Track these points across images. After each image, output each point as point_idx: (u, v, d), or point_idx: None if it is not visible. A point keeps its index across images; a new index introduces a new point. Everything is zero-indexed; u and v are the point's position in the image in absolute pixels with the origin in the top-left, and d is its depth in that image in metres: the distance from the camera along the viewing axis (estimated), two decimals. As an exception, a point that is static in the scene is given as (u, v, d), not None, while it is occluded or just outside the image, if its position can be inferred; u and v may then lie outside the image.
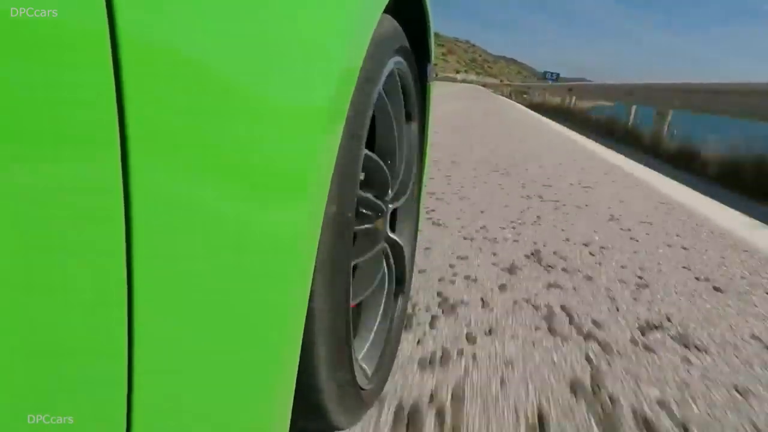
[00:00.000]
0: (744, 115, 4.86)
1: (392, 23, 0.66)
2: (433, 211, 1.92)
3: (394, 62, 0.70)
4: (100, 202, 0.22)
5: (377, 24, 0.55)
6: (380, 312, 0.79)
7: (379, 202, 0.73)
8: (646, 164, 4.19)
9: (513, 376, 0.85)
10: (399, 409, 0.74)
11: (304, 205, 0.37)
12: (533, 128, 6.67)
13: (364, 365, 0.69)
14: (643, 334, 1.06)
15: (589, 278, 1.36)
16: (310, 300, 0.44)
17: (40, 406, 0.22)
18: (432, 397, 0.78)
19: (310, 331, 0.46)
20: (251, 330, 0.34)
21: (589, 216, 2.07)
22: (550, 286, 1.28)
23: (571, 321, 1.09)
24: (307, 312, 0.43)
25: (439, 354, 0.90)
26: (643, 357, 0.96)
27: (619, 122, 7.76)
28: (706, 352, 1.01)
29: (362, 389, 0.63)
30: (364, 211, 0.72)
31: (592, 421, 0.76)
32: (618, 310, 1.17)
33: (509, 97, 23.93)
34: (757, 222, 2.33)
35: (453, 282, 1.25)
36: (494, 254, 1.49)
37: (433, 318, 1.04)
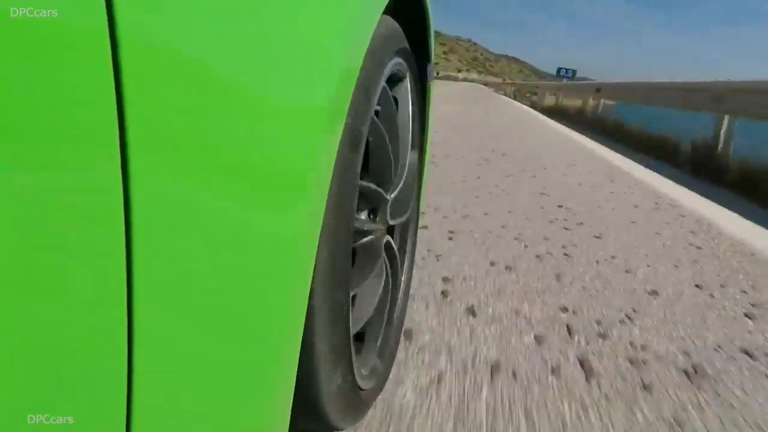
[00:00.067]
0: None
1: (392, 24, 0.66)
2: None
3: (394, 63, 0.70)
4: (100, 202, 0.22)
5: (377, 25, 0.55)
6: (380, 311, 0.79)
7: (380, 202, 0.73)
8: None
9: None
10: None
11: (304, 205, 0.37)
12: (562, 145, 4.55)
13: (363, 364, 0.69)
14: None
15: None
16: (310, 299, 0.44)
17: (40, 406, 0.22)
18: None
19: (309, 331, 0.46)
20: (251, 330, 0.34)
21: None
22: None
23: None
24: (306, 311, 0.43)
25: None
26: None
27: (701, 146, 4.43)
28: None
29: (362, 389, 0.63)
30: (363, 210, 0.72)
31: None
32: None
33: (513, 97, 20.07)
34: None
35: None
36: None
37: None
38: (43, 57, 0.20)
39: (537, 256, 1.50)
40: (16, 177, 0.20)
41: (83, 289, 0.23)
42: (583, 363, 0.93)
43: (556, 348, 0.98)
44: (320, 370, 0.49)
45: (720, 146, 4.31)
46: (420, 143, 0.98)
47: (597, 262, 1.51)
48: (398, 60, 0.73)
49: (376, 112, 0.71)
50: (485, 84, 53.92)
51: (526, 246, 1.59)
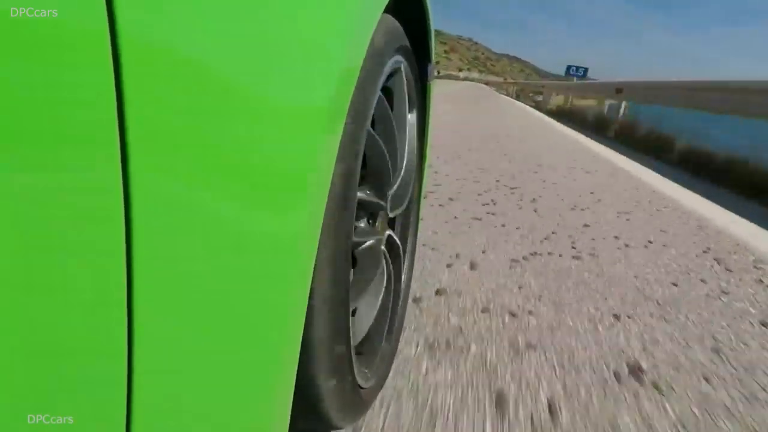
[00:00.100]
0: None
1: (392, 22, 0.66)
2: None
3: (395, 61, 0.70)
4: (100, 202, 0.22)
5: (377, 23, 0.55)
6: (380, 310, 0.79)
7: (380, 201, 0.73)
8: None
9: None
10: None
11: (304, 205, 0.37)
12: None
13: (363, 364, 0.69)
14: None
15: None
16: (310, 299, 0.44)
17: (40, 406, 0.22)
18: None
19: (309, 331, 0.46)
20: (251, 330, 0.34)
21: None
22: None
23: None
24: (306, 311, 0.43)
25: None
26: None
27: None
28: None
29: (361, 388, 0.63)
30: (364, 210, 0.72)
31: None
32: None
33: (515, 97, 18.40)
34: None
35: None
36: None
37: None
38: (43, 57, 0.20)
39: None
40: (16, 177, 0.20)
41: (83, 289, 0.23)
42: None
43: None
44: (320, 370, 0.49)
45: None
46: (420, 143, 0.98)
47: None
48: (398, 58, 0.73)
49: (377, 111, 0.71)
50: (486, 83, 51.73)
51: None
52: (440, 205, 2.00)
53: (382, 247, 0.77)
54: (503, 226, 1.81)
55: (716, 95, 4.97)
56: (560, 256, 1.55)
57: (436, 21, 0.94)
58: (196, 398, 0.31)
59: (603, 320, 1.14)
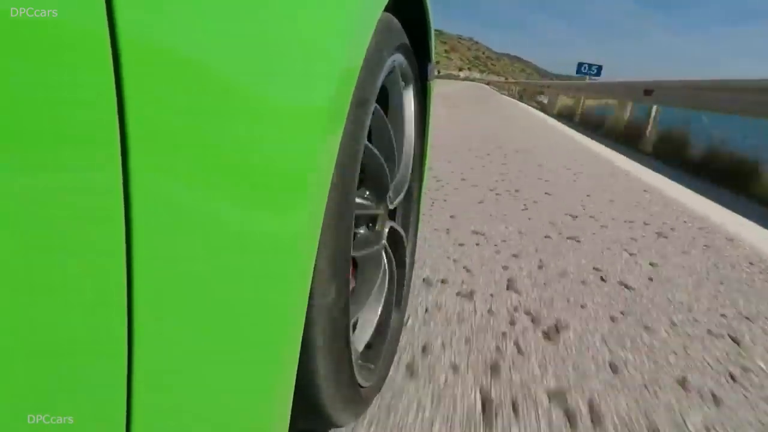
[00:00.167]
0: None
1: (392, 20, 0.66)
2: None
3: (394, 59, 0.70)
4: (100, 202, 0.22)
5: (377, 21, 0.55)
6: (380, 309, 0.79)
7: (379, 201, 0.73)
8: None
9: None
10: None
11: (304, 205, 0.37)
12: None
13: (363, 363, 0.69)
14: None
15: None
16: (310, 299, 0.44)
17: (40, 406, 0.22)
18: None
19: (309, 330, 0.46)
20: (251, 330, 0.34)
21: None
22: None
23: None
24: (306, 311, 0.43)
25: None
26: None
27: None
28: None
29: (361, 387, 0.63)
30: (364, 209, 0.72)
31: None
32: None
33: (519, 99, 16.11)
34: None
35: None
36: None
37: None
38: (43, 57, 0.20)
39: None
40: (16, 177, 0.20)
41: (83, 289, 0.23)
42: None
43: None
44: (320, 369, 0.49)
45: None
46: (420, 144, 0.98)
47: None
48: (398, 56, 0.73)
49: (376, 110, 0.71)
50: (487, 83, 48.30)
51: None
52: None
53: (383, 251, 0.77)
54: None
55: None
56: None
57: (436, 20, 0.94)
58: (196, 398, 0.31)
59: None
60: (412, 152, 0.92)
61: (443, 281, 1.24)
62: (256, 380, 0.36)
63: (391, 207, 0.80)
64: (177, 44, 0.25)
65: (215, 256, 0.29)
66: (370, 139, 0.72)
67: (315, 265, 0.42)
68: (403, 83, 0.82)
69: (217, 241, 0.29)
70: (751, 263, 1.64)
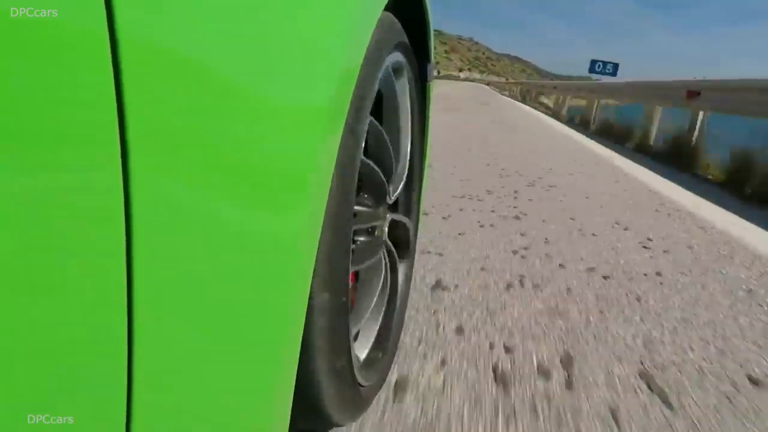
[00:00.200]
0: None
1: (391, 19, 0.66)
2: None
3: (393, 57, 0.70)
4: (100, 202, 0.22)
5: (377, 20, 0.55)
6: (379, 308, 0.79)
7: (378, 200, 0.73)
8: None
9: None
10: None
11: (304, 205, 0.37)
12: None
13: (363, 363, 0.69)
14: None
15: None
16: (310, 299, 0.44)
17: (40, 406, 0.22)
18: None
19: (309, 330, 0.46)
20: (251, 330, 0.34)
21: None
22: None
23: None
24: (306, 311, 0.43)
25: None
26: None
27: None
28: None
29: (361, 386, 0.63)
30: (363, 208, 0.72)
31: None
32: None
33: (522, 100, 14.82)
34: None
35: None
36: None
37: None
38: (43, 57, 0.20)
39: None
40: (16, 177, 0.20)
41: (83, 289, 0.23)
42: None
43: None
44: (320, 369, 0.49)
45: None
46: (420, 144, 0.98)
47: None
48: (398, 56, 0.73)
49: (376, 109, 0.71)
50: (487, 84, 46.89)
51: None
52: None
53: (382, 253, 0.77)
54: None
55: None
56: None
57: (435, 21, 0.94)
58: (196, 398, 0.31)
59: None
60: (412, 150, 0.92)
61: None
62: (256, 380, 0.36)
63: (390, 201, 0.80)
64: (177, 44, 0.25)
65: (215, 256, 0.29)
66: (369, 140, 0.72)
67: (315, 264, 0.42)
68: (403, 83, 0.82)
69: (217, 241, 0.29)
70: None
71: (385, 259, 0.78)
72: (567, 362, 0.93)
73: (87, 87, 0.21)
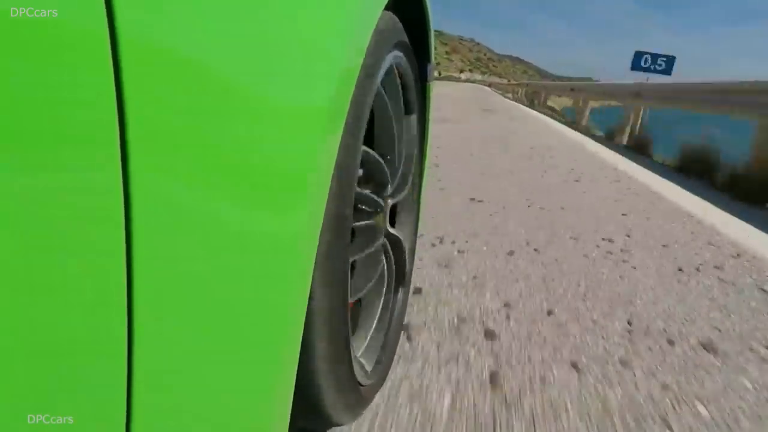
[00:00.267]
0: None
1: (391, 18, 0.66)
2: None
3: (393, 57, 0.70)
4: (100, 202, 0.22)
5: (378, 20, 0.55)
6: (380, 308, 0.79)
7: (378, 199, 0.73)
8: None
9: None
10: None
11: (304, 205, 0.37)
12: None
13: (363, 362, 0.69)
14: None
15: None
16: (310, 299, 0.44)
17: (40, 406, 0.22)
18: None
19: (309, 330, 0.46)
20: (251, 330, 0.34)
21: None
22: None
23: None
24: (306, 311, 0.43)
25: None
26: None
27: None
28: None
29: (361, 386, 0.63)
30: (363, 207, 0.72)
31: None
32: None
33: (530, 106, 12.54)
34: None
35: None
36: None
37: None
38: (43, 57, 0.20)
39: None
40: (16, 177, 0.20)
41: (83, 289, 0.23)
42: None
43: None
44: (320, 369, 0.49)
45: None
46: (420, 142, 0.98)
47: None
48: (397, 53, 0.73)
49: (375, 107, 0.71)
50: (489, 85, 45.31)
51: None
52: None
53: (382, 249, 0.77)
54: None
55: None
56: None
57: (435, 21, 0.94)
58: (196, 398, 0.31)
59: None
60: (412, 149, 0.92)
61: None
62: (256, 380, 0.36)
63: (391, 202, 0.80)
64: (177, 44, 0.25)
65: (215, 256, 0.29)
66: (369, 140, 0.72)
67: (314, 264, 0.42)
68: (403, 82, 0.82)
69: (217, 241, 0.29)
70: None
71: (384, 252, 0.78)
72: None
73: (87, 87, 0.21)
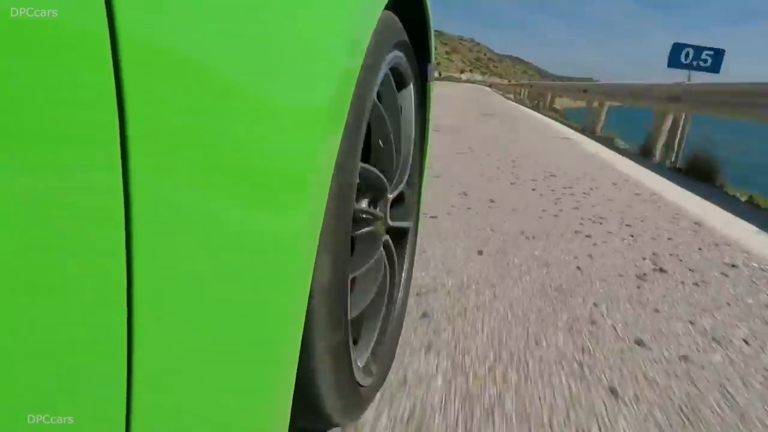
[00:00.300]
0: None
1: (391, 18, 0.66)
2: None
3: (393, 56, 0.70)
4: (100, 202, 0.22)
5: (378, 20, 0.55)
6: (379, 308, 0.79)
7: (378, 199, 0.73)
8: None
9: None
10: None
11: (304, 205, 0.37)
12: None
13: (362, 362, 0.69)
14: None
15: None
16: (309, 299, 0.44)
17: (40, 406, 0.22)
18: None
19: (308, 330, 0.46)
20: (251, 330, 0.34)
21: None
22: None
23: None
24: (306, 311, 0.43)
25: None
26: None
27: None
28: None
29: (361, 386, 0.63)
30: (363, 208, 0.72)
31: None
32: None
33: (534, 109, 11.15)
34: None
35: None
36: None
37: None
38: (43, 57, 0.20)
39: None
40: (16, 177, 0.20)
41: (83, 289, 0.23)
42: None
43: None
44: (320, 369, 0.49)
45: None
46: (420, 142, 0.98)
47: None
48: (399, 55, 0.73)
49: (376, 110, 0.71)
50: (489, 86, 43.91)
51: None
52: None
53: (382, 250, 0.77)
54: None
55: None
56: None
57: (436, 21, 0.94)
58: (196, 398, 0.31)
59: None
60: (412, 149, 0.92)
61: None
62: (256, 380, 0.36)
63: (391, 197, 0.80)
64: (177, 44, 0.25)
65: (215, 256, 0.29)
66: (369, 140, 0.72)
67: (314, 264, 0.42)
68: (403, 82, 0.82)
69: (217, 241, 0.29)
70: None
71: (385, 253, 0.78)
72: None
73: (87, 87, 0.21)
